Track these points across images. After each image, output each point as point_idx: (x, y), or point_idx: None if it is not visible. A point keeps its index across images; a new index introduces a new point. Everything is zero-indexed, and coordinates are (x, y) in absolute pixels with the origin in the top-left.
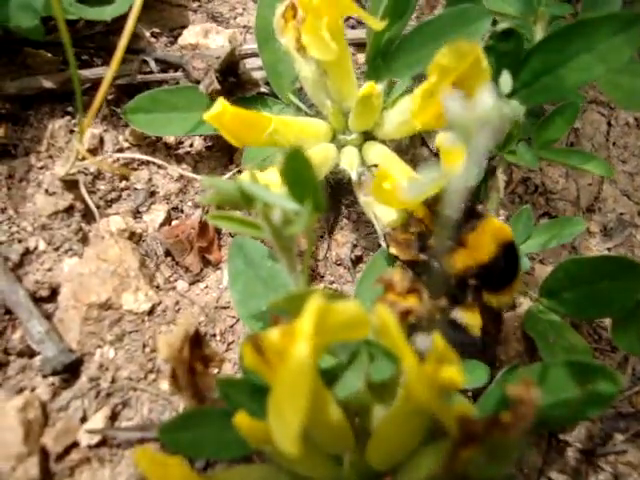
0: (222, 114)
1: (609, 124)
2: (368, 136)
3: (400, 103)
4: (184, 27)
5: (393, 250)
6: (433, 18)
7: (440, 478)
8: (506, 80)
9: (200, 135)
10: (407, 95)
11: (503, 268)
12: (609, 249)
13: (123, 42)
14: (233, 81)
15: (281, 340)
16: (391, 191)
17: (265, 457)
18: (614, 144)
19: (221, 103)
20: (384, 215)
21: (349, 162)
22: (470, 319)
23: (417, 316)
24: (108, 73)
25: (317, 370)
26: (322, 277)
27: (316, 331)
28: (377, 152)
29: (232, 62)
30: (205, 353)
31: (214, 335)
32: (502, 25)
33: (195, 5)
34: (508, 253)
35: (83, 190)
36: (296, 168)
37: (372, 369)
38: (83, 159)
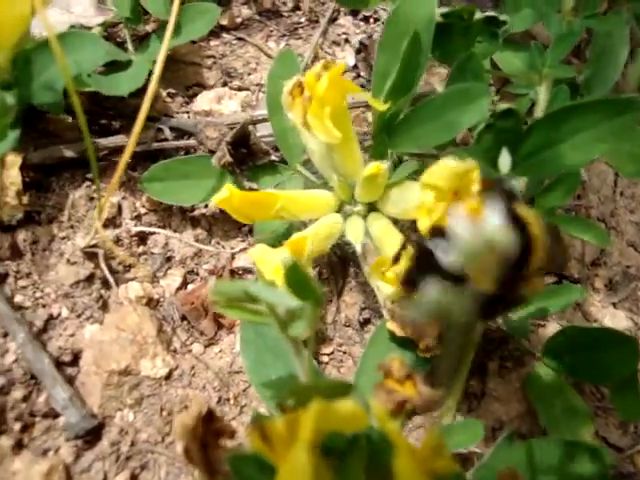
0: (230, 198)
1: (616, 174)
2: (373, 207)
3: (404, 187)
4: (199, 85)
5: (391, 326)
6: (436, 96)
7: None
8: (505, 160)
9: None
10: (411, 180)
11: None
12: (614, 304)
13: (144, 112)
14: (244, 151)
15: (284, 430)
16: (390, 277)
17: None
18: (622, 194)
19: (228, 188)
20: (384, 287)
21: (354, 234)
22: None
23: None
24: (129, 145)
25: (319, 453)
26: (331, 340)
27: (317, 429)
28: (380, 227)
29: (244, 134)
30: (217, 427)
31: (228, 399)
32: (502, 106)
33: (210, 62)
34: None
35: (102, 261)
36: (294, 276)
37: (373, 455)
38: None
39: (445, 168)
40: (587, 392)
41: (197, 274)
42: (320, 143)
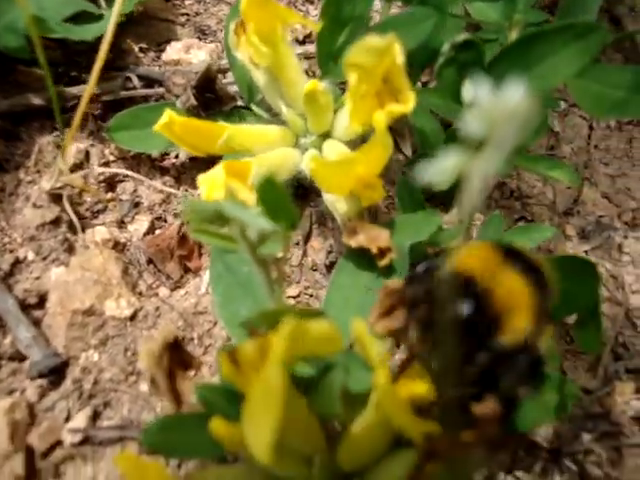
0: (170, 124)
1: (590, 127)
2: (328, 137)
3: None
4: (171, 41)
5: (347, 240)
6: (383, 20)
7: None
8: (468, 92)
9: None
10: None
11: None
12: (586, 252)
13: (100, 60)
14: (210, 96)
15: (255, 354)
16: (323, 165)
17: (239, 457)
18: (596, 147)
19: (167, 114)
20: (341, 207)
21: (308, 164)
22: None
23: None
24: (87, 90)
25: (291, 379)
26: (298, 283)
27: (290, 349)
28: (332, 148)
29: (209, 78)
30: (183, 358)
31: (192, 339)
32: (461, 36)
33: (183, 19)
34: None
35: (66, 203)
36: (269, 193)
37: (350, 380)
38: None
39: (366, 44)
40: (556, 337)
41: (165, 220)
42: (266, 75)
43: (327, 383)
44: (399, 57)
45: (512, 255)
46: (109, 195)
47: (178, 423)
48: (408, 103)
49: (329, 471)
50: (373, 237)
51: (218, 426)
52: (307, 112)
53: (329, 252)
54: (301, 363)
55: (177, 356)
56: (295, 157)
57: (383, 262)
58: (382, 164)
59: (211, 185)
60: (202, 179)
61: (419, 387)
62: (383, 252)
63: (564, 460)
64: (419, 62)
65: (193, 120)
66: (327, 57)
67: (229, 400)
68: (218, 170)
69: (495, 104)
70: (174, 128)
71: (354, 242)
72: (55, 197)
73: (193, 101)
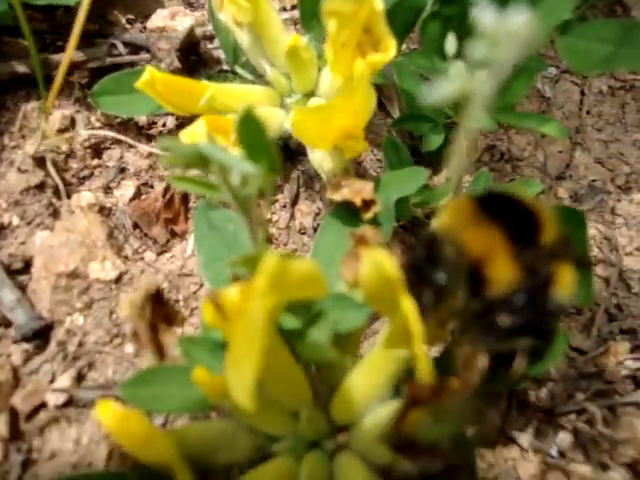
0: (152, 82)
1: (582, 93)
2: (313, 96)
3: None
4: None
5: (333, 195)
6: None
7: (391, 437)
8: (451, 42)
9: (173, 115)
10: None
11: None
12: None
13: (79, 21)
14: (195, 60)
15: (239, 298)
16: (304, 114)
17: (224, 413)
18: (588, 112)
19: (149, 71)
20: (326, 164)
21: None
22: None
23: None
24: (67, 49)
25: (277, 328)
26: (285, 245)
27: (273, 288)
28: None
29: (192, 42)
30: (167, 312)
31: (177, 301)
32: None
33: None
34: None
35: (50, 167)
36: (249, 130)
37: (339, 321)
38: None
39: None
40: None
41: (151, 186)
42: (249, 35)
43: (316, 329)
44: (378, 3)
45: (494, 204)
46: (95, 161)
47: (160, 376)
48: (388, 51)
49: (316, 426)
50: (357, 190)
51: (200, 376)
52: (290, 69)
53: (317, 215)
54: (287, 315)
55: (160, 310)
56: (280, 116)
57: (368, 214)
58: (365, 116)
59: (192, 139)
60: (183, 133)
61: None
62: (368, 205)
63: (558, 420)
64: (404, 22)
65: (175, 77)
66: (310, 14)
67: (213, 352)
68: (199, 124)
69: (499, 26)
70: (156, 86)
71: (339, 196)
72: (39, 161)
73: (177, 64)
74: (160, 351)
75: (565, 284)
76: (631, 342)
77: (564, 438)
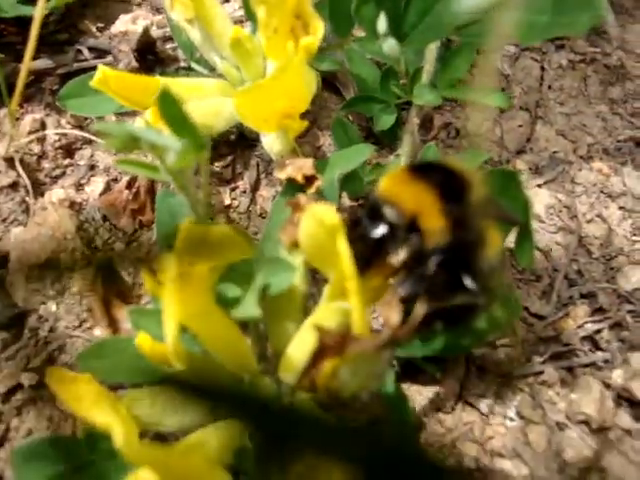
0: (105, 79)
1: (542, 68)
2: None
3: None
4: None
5: (279, 174)
6: None
7: (320, 393)
8: (382, 23)
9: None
10: None
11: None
12: (539, 185)
13: (34, 28)
14: (152, 59)
15: (172, 266)
16: (242, 96)
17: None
18: (550, 87)
19: (101, 70)
20: (275, 147)
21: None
22: None
23: None
24: (26, 54)
25: (215, 297)
26: (246, 229)
27: (191, 251)
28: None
29: (148, 42)
30: (121, 289)
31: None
32: None
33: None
34: None
35: (19, 168)
36: (168, 107)
37: (271, 284)
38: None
39: None
40: (508, 265)
41: (120, 182)
42: (199, 31)
43: (248, 293)
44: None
45: (427, 170)
46: (67, 161)
47: (111, 348)
48: (317, 32)
49: (261, 390)
50: (299, 167)
51: (143, 342)
52: (237, 60)
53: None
54: (230, 286)
55: (114, 286)
56: (231, 106)
57: (310, 190)
58: (302, 96)
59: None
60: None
61: None
62: (310, 180)
63: (516, 383)
64: (347, 9)
65: (127, 74)
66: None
67: (160, 323)
68: (147, 115)
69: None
70: (109, 83)
71: (283, 174)
72: (11, 162)
73: (134, 63)
74: (113, 325)
75: (494, 244)
76: (591, 306)
77: (522, 400)
